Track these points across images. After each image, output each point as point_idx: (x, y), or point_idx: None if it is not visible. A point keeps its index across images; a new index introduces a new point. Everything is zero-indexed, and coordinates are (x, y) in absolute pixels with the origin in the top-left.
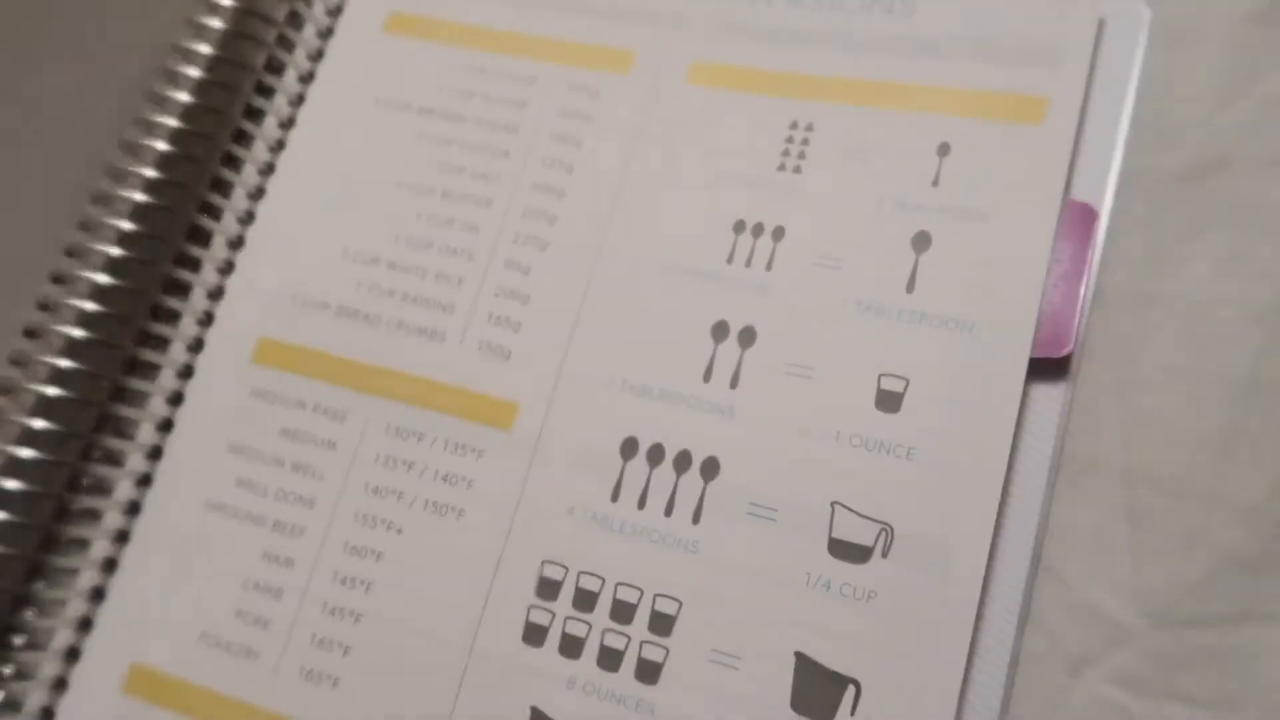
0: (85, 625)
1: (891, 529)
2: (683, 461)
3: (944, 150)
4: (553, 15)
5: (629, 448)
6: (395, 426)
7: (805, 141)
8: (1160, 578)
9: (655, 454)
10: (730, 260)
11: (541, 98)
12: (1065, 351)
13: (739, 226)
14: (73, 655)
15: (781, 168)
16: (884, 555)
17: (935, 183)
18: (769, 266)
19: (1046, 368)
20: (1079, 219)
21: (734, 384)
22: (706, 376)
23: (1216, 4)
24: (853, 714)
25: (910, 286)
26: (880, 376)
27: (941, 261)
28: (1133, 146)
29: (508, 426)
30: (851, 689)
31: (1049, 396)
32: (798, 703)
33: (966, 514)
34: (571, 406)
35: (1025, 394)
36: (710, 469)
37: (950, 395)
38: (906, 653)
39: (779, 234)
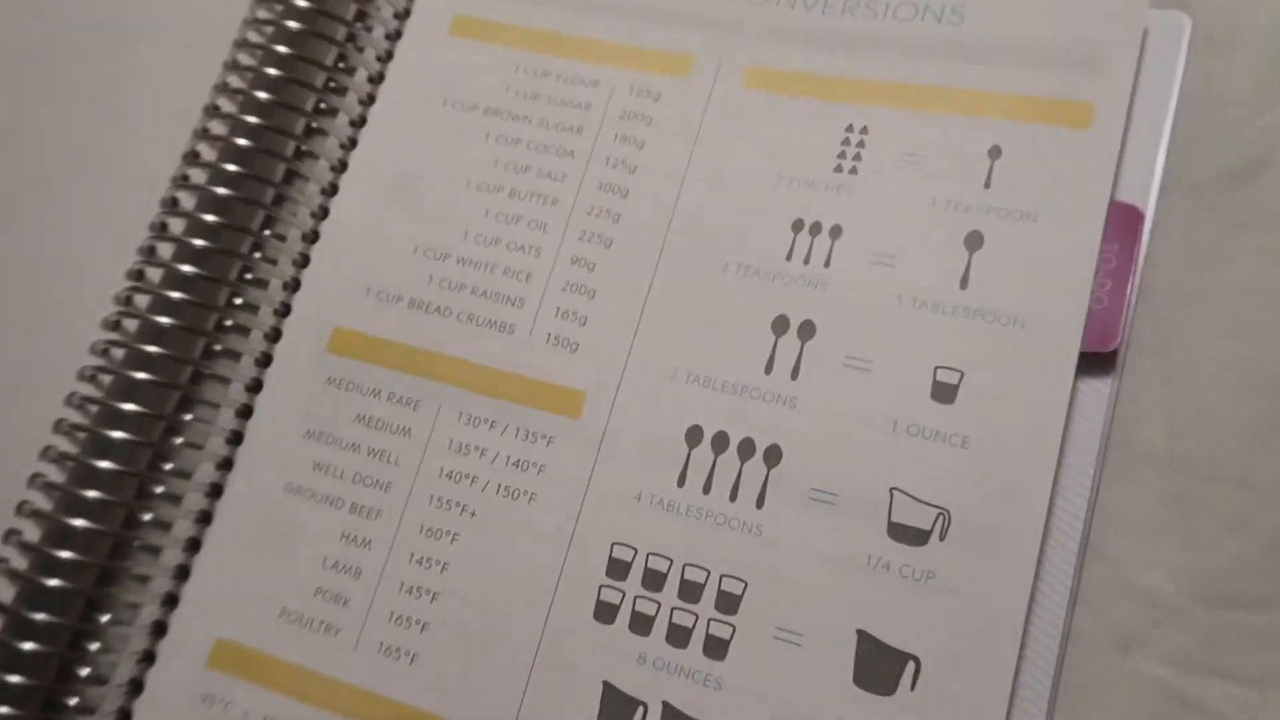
0: (171, 601)
1: (949, 513)
2: (746, 449)
3: (995, 153)
4: (614, 19)
5: (694, 435)
6: (467, 414)
7: (861, 144)
8: (1206, 560)
9: (719, 441)
10: (789, 257)
11: (604, 100)
12: (1113, 346)
13: (797, 225)
14: (159, 630)
15: (838, 169)
16: (941, 539)
17: (987, 184)
18: (827, 264)
19: (1095, 361)
20: (1125, 219)
21: (795, 375)
22: (768, 368)
23: (1253, 11)
24: (913, 689)
25: (964, 283)
26: (936, 369)
27: (994, 259)
28: (1176, 149)
29: (576, 415)
30: (912, 665)
31: (1097, 389)
32: (860, 678)
33: (1020, 500)
34: (637, 396)
35: (1075, 386)
36: (773, 456)
37: (1003, 387)
38: (964, 630)
39: (836, 232)
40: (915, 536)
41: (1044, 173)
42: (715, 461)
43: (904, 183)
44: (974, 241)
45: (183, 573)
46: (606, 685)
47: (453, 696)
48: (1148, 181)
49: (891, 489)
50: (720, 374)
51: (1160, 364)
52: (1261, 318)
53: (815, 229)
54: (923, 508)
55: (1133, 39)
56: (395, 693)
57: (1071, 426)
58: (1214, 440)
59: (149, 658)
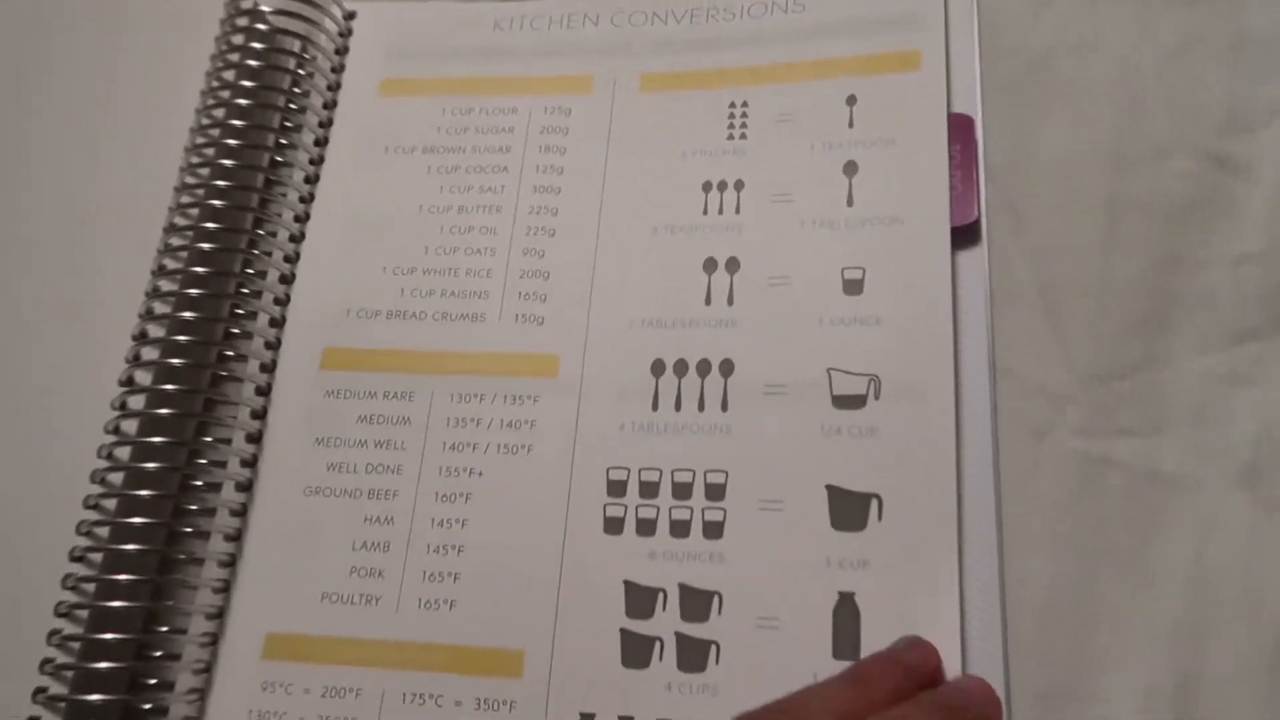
0: (219, 614)
1: (878, 378)
2: (703, 367)
3: (852, 100)
4: (518, 59)
5: (658, 368)
6: (458, 394)
7: (745, 116)
8: (1082, 351)
9: (680, 367)
10: (705, 212)
11: (524, 122)
12: (972, 218)
13: (706, 186)
14: (213, 640)
15: (730, 137)
16: (876, 398)
17: (851, 124)
18: (737, 210)
19: (964, 234)
20: (961, 125)
21: (730, 302)
22: (707, 300)
23: None
24: (880, 519)
25: (850, 201)
26: (843, 270)
27: (869, 179)
28: (987, 62)
29: (554, 375)
30: (875, 502)
31: (973, 257)
32: (836, 521)
33: (931, 354)
34: (603, 348)
35: (955, 257)
36: (727, 368)
37: (899, 271)
38: (910, 465)
39: (740, 185)
40: (855, 402)
41: (893, 108)
42: (680, 384)
43: (785, 137)
44: (850, 169)
45: (225, 585)
46: (627, 583)
47: (494, 627)
48: (973, 91)
49: (828, 369)
50: (669, 314)
51: (1012, 219)
52: (1075, 171)
53: (722, 186)
54: (856, 378)
55: None
56: (439, 637)
57: (960, 285)
58: (1064, 260)
59: (207, 668)
